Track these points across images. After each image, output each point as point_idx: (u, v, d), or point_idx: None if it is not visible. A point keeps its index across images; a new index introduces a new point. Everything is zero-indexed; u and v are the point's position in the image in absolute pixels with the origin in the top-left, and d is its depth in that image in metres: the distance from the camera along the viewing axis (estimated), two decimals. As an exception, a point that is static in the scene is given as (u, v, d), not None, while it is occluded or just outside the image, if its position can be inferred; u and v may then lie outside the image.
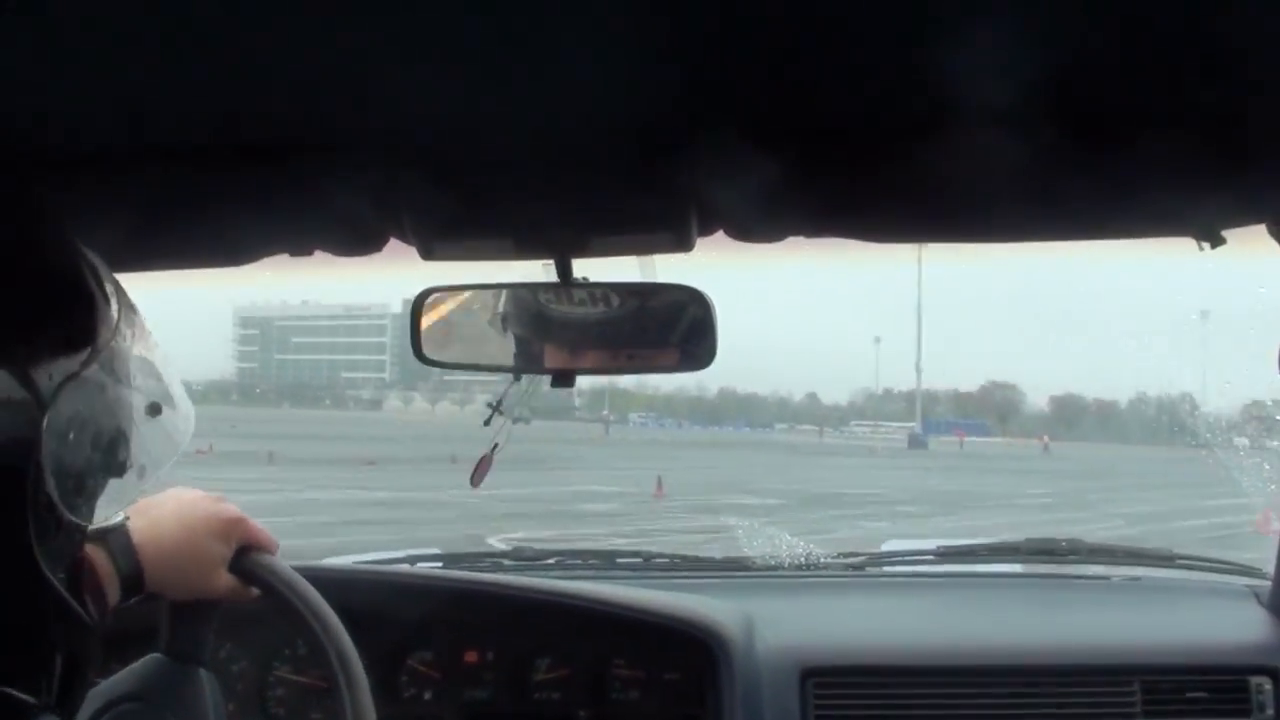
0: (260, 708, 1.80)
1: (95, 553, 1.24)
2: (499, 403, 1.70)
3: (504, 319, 1.41)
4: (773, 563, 2.33)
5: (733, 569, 2.35)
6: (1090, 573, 2.36)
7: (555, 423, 39.64)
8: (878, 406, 67.35)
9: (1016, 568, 2.44)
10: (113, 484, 0.85)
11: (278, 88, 0.95)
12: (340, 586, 1.37)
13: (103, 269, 0.84)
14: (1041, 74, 0.90)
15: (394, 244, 1.24)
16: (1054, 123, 1.00)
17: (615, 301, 1.35)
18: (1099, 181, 1.10)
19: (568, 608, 1.86)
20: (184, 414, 0.94)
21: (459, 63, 0.90)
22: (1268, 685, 1.82)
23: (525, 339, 1.42)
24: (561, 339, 1.39)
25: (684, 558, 2.44)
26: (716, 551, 2.81)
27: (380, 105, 0.99)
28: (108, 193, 1.12)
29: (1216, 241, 1.17)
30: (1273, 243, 1.18)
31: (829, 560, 2.38)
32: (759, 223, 1.19)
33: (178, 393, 0.94)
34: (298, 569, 1.35)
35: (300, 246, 1.27)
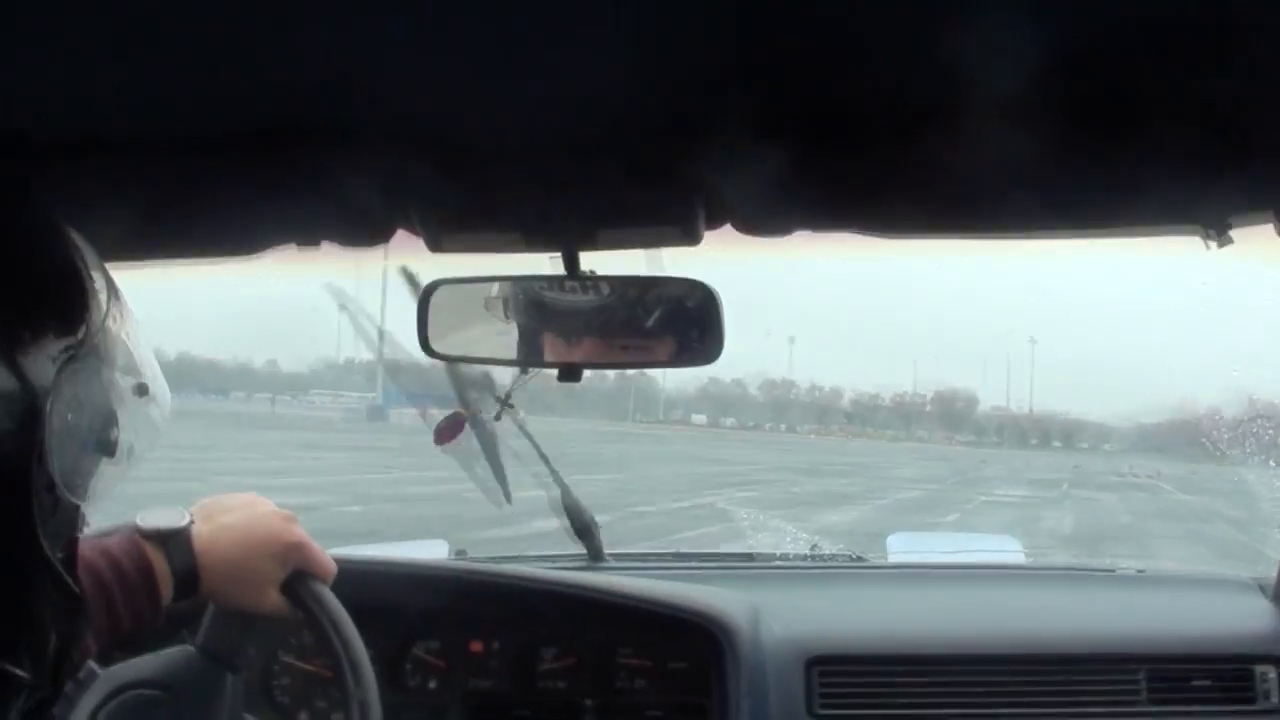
0: (266, 696, 1.81)
1: (155, 554, 1.27)
2: (507, 396, 1.71)
3: (509, 313, 1.41)
4: (777, 553, 2.34)
5: (738, 560, 2.36)
6: (1094, 565, 2.37)
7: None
8: (340, 376, 66.41)
9: (1020, 559, 2.45)
10: (104, 464, 0.87)
11: (285, 79, 0.95)
12: (347, 577, 1.37)
13: (89, 252, 0.85)
14: (1050, 64, 0.89)
15: (400, 236, 1.24)
16: (1063, 114, 1.00)
17: (621, 295, 1.35)
18: (1108, 175, 1.10)
19: (573, 597, 1.87)
20: (163, 399, 0.95)
21: (467, 53, 0.90)
22: (1272, 674, 1.84)
23: (530, 332, 1.42)
24: (566, 333, 1.39)
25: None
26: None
27: (389, 97, 0.99)
28: (113, 184, 1.12)
29: (1223, 236, 1.17)
30: (1275, 239, 1.18)
31: (834, 551, 2.39)
32: (767, 216, 1.19)
33: (158, 376, 0.95)
34: None
35: (308, 238, 1.27)
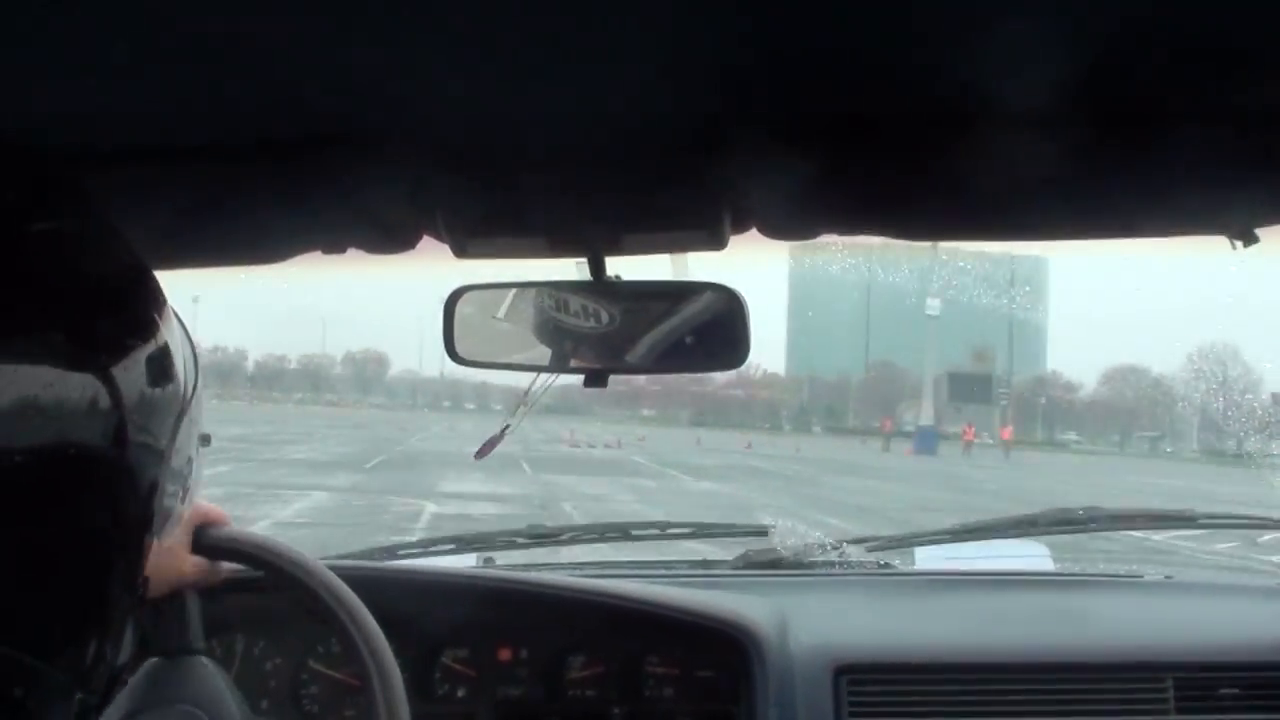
0: (294, 704, 1.82)
1: None
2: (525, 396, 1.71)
3: (534, 319, 1.41)
4: (805, 561, 2.33)
5: (765, 567, 2.35)
6: (1122, 571, 2.35)
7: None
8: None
9: (1048, 566, 2.44)
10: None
11: (312, 85, 0.96)
12: (373, 587, 1.36)
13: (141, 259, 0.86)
14: (1076, 72, 0.89)
15: (426, 242, 1.25)
16: (1090, 121, 1.00)
17: (646, 300, 1.35)
18: (1134, 179, 1.10)
19: (602, 606, 1.87)
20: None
21: (493, 60, 0.90)
22: None
23: (556, 338, 1.42)
24: (591, 339, 1.39)
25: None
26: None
27: (416, 103, 1.00)
28: (141, 191, 1.13)
29: (1250, 240, 1.17)
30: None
31: (861, 559, 2.39)
32: (792, 220, 1.19)
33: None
34: (332, 567, 1.32)
35: (334, 244, 1.27)
